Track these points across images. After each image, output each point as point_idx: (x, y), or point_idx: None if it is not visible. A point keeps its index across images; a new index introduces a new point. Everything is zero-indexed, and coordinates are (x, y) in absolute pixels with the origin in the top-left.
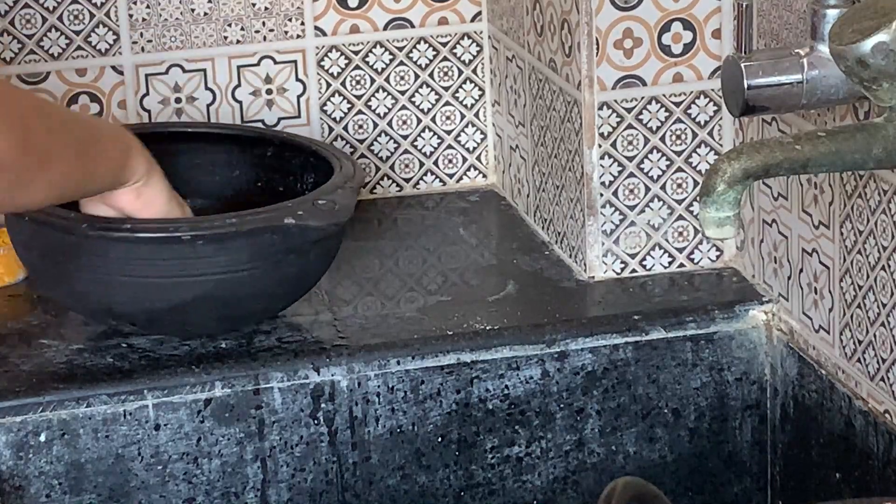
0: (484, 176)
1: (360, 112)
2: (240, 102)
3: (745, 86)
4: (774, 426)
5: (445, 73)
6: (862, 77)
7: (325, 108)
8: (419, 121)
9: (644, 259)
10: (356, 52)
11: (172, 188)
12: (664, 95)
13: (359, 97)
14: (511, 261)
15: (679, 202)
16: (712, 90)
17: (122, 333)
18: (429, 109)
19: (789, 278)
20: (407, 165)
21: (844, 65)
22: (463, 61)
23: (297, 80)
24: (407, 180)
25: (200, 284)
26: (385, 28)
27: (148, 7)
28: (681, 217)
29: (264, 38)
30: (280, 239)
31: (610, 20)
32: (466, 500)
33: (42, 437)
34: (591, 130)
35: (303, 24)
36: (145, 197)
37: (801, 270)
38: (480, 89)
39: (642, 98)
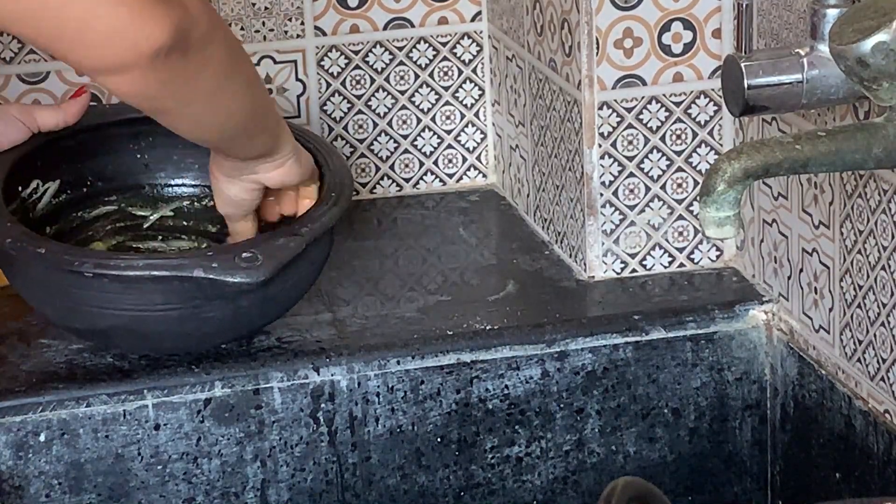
0: (484, 176)
1: (360, 112)
2: None
3: (745, 85)
4: (774, 426)
5: (445, 73)
6: (862, 77)
7: (325, 107)
8: (419, 120)
9: (644, 259)
10: (356, 52)
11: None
12: (664, 95)
13: (359, 97)
14: (511, 261)
15: (679, 202)
16: (712, 90)
17: None
18: (429, 109)
19: (789, 278)
20: (407, 165)
21: (844, 64)
22: (463, 61)
23: (297, 79)
24: (407, 180)
25: (114, 317)
26: (385, 28)
27: None
28: (681, 217)
29: (264, 38)
30: (193, 287)
31: (610, 20)
32: (466, 500)
33: (42, 437)
34: (591, 130)
35: (303, 23)
36: (294, 169)
37: (801, 270)
38: (480, 89)
39: (642, 98)
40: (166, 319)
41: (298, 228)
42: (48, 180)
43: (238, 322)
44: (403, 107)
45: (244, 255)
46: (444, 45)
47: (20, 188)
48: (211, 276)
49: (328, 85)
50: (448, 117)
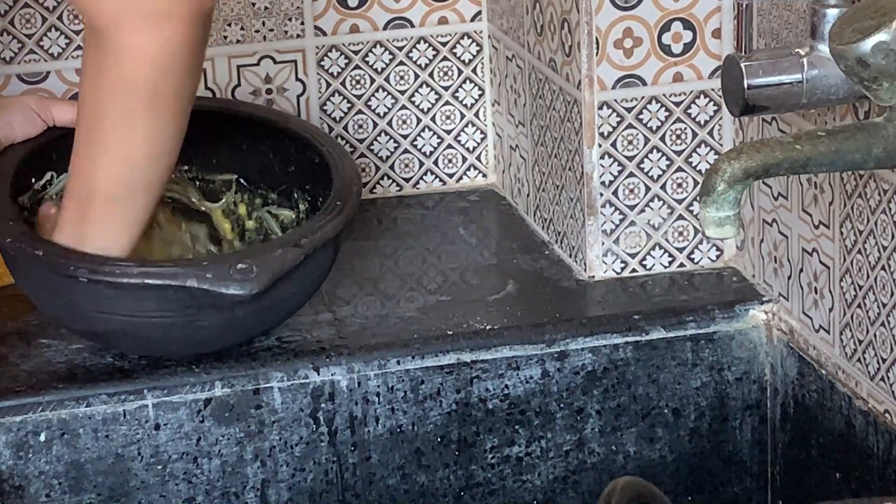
0: (484, 175)
1: (360, 112)
2: None
3: (745, 85)
4: (774, 426)
5: (445, 73)
6: (862, 77)
7: (325, 107)
8: (419, 120)
9: (644, 259)
10: (356, 52)
11: None
12: (664, 95)
13: (359, 97)
14: (511, 261)
15: (679, 202)
16: (712, 90)
17: None
18: (429, 109)
19: (789, 278)
20: (407, 165)
21: (845, 64)
22: (463, 61)
23: (297, 79)
24: (407, 180)
25: (110, 321)
26: (385, 28)
27: None
28: (681, 217)
29: (264, 38)
30: (187, 296)
31: (610, 20)
32: (466, 500)
33: (42, 437)
34: (591, 130)
35: (303, 23)
36: None
37: (801, 270)
38: (480, 89)
39: (642, 98)
40: (161, 326)
41: (299, 239)
42: (63, 172)
43: (233, 331)
44: (403, 107)
45: (239, 266)
46: (444, 45)
47: (33, 179)
48: (204, 287)
49: (328, 85)
50: (448, 117)
